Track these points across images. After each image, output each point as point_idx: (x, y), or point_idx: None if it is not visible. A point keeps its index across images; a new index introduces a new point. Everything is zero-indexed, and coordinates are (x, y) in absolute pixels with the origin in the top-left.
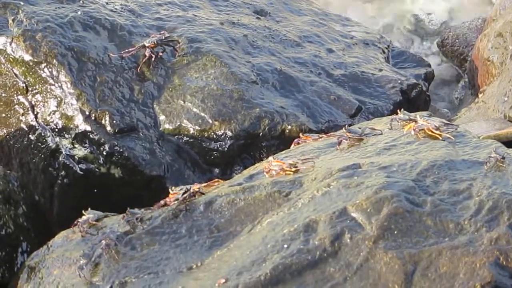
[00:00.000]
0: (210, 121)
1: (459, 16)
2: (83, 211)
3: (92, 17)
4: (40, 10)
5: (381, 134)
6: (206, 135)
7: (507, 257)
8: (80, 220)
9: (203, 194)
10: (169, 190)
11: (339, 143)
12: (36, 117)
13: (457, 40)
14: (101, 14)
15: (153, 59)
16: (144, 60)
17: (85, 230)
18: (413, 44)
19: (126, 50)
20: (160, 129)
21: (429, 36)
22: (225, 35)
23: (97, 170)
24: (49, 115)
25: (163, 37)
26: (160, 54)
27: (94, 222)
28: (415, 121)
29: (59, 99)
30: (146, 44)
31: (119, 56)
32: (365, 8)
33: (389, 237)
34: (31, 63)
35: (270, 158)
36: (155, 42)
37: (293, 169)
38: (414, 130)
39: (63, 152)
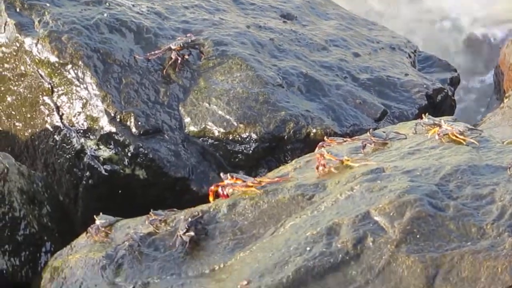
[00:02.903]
0: (235, 123)
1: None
2: (94, 216)
3: (118, 19)
4: (66, 12)
5: (406, 138)
6: (231, 138)
7: None
8: (92, 227)
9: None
10: (221, 175)
11: (364, 147)
12: (61, 118)
13: None
14: (127, 17)
15: (179, 61)
16: (170, 63)
17: (102, 236)
18: (439, 47)
19: (152, 53)
20: (185, 131)
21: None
22: (251, 38)
23: (121, 171)
24: (74, 116)
25: (189, 40)
26: (186, 57)
27: (107, 230)
28: (440, 126)
29: (84, 100)
30: (172, 47)
31: (144, 58)
32: (392, 12)
33: (412, 241)
34: (56, 64)
35: (323, 150)
36: (181, 45)
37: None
38: (438, 134)
39: (88, 153)
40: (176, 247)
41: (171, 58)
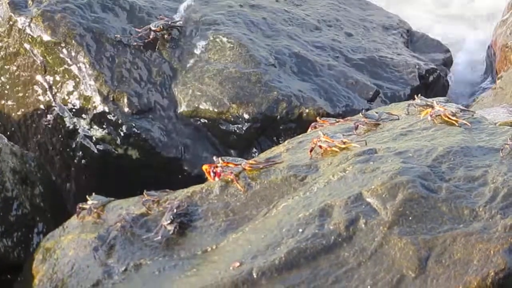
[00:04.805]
0: (227, 103)
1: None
2: (87, 196)
3: None
4: None
5: (398, 119)
6: (223, 118)
7: None
8: (84, 206)
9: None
10: (214, 159)
11: (356, 127)
12: (54, 97)
13: None
14: None
15: (158, 42)
16: (147, 42)
17: (94, 217)
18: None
19: (134, 34)
20: (178, 111)
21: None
22: (245, 17)
23: (114, 151)
24: (67, 95)
25: (170, 22)
26: (166, 37)
27: (99, 210)
28: (432, 107)
29: (77, 79)
30: (152, 28)
31: (132, 38)
32: None
33: (404, 223)
34: (50, 44)
35: (320, 132)
36: (161, 27)
37: (343, 146)
38: (430, 115)
39: (81, 133)
40: (159, 235)
41: (152, 38)
